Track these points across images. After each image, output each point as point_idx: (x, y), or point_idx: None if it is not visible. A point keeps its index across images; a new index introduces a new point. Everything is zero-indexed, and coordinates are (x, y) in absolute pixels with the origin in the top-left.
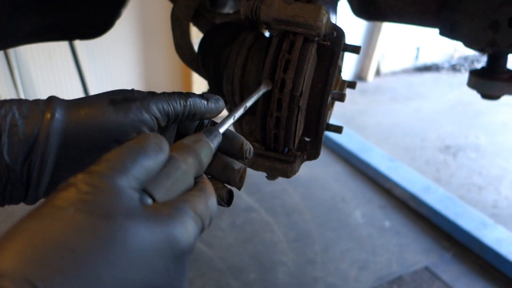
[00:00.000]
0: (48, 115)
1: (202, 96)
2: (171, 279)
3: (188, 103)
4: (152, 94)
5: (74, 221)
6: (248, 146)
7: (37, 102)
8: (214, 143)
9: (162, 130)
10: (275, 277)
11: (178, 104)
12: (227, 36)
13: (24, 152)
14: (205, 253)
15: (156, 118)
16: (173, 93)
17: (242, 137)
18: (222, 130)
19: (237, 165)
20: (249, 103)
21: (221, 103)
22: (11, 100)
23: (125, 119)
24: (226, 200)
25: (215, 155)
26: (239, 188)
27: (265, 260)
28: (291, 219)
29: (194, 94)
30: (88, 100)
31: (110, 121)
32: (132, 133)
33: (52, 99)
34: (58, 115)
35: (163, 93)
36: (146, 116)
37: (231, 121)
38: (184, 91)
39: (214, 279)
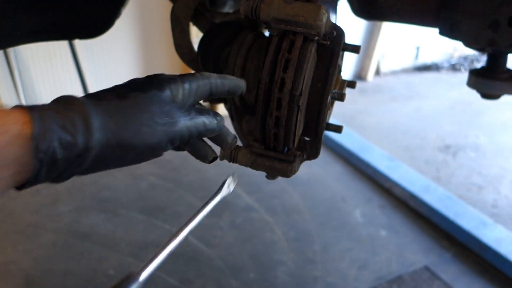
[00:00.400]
0: (87, 144)
1: (215, 115)
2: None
3: (206, 128)
4: (179, 113)
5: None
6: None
7: (75, 125)
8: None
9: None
10: (275, 277)
11: (196, 132)
12: (227, 35)
13: (56, 174)
14: (205, 253)
15: (174, 145)
16: (198, 117)
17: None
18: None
19: (230, 137)
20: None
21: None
22: (52, 122)
23: (150, 149)
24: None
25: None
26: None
27: (264, 260)
28: (291, 219)
29: (208, 113)
30: (124, 127)
31: (138, 150)
32: (151, 157)
33: (89, 121)
34: (95, 142)
35: (192, 115)
36: (166, 145)
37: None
38: None
39: (213, 278)
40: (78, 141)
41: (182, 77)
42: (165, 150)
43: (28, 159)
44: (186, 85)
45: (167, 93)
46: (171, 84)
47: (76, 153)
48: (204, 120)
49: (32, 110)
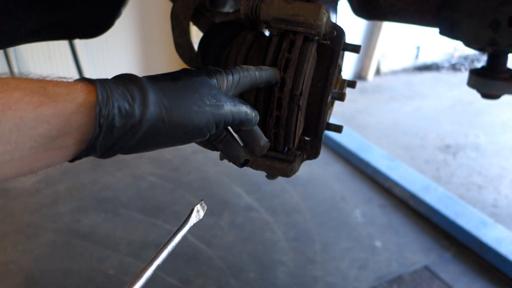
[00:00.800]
0: (142, 116)
1: (253, 109)
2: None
3: (238, 114)
4: (224, 98)
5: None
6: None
7: (134, 98)
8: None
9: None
10: (275, 277)
11: (238, 119)
12: (227, 35)
13: (112, 143)
14: (205, 252)
15: (218, 128)
16: (241, 106)
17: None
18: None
19: (263, 141)
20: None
21: (257, 117)
22: (114, 92)
23: (198, 130)
24: (240, 163)
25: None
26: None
27: (264, 259)
28: (291, 218)
29: (242, 102)
30: (177, 104)
31: (186, 129)
32: (198, 138)
33: (146, 95)
34: (150, 115)
35: (236, 102)
36: (212, 128)
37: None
38: None
39: (213, 278)
40: (135, 111)
41: (226, 69)
42: (211, 131)
43: (90, 126)
44: (230, 77)
45: (214, 80)
46: (217, 74)
47: (132, 123)
48: (246, 109)
49: (96, 81)
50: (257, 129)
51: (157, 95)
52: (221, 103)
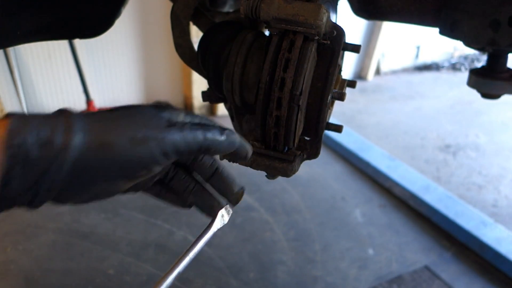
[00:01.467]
0: (66, 143)
1: (222, 132)
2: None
3: (206, 140)
4: (173, 133)
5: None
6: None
7: (56, 125)
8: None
9: None
10: (275, 276)
11: (196, 143)
12: (227, 35)
13: (33, 180)
14: (205, 252)
15: (169, 158)
16: (197, 128)
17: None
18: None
19: (237, 187)
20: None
21: (236, 141)
22: (31, 121)
23: (139, 158)
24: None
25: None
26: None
27: (264, 259)
28: (291, 218)
29: (214, 126)
30: (109, 130)
31: (125, 158)
32: (142, 171)
33: (71, 122)
34: (76, 142)
35: (188, 127)
36: (160, 157)
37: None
38: (183, 90)
39: (213, 278)
40: (56, 138)
41: (187, 112)
42: (159, 163)
43: (1, 157)
44: (187, 116)
45: (163, 112)
46: (170, 108)
47: (54, 153)
48: (205, 132)
49: (16, 114)
50: (228, 175)
51: (85, 122)
52: (167, 129)
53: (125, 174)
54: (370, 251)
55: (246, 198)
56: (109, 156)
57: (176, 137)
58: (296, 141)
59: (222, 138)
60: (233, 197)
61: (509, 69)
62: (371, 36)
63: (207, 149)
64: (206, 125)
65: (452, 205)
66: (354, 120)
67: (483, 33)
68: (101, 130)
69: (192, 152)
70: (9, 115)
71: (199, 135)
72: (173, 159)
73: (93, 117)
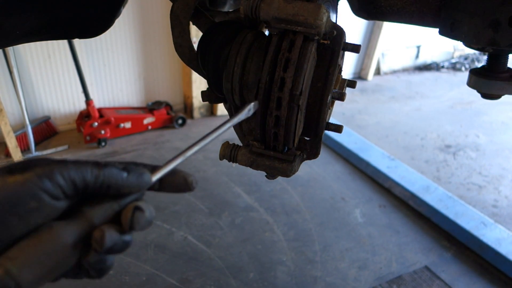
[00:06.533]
0: None
1: (124, 168)
2: None
3: (102, 173)
4: (59, 162)
5: None
6: (192, 178)
7: None
8: (125, 200)
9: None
10: (275, 277)
11: (89, 173)
12: (227, 35)
13: None
14: (205, 253)
15: (60, 186)
16: (87, 162)
17: (183, 172)
18: (160, 174)
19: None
20: (191, 151)
21: (146, 178)
22: None
23: (21, 187)
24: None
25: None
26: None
27: (264, 260)
28: (291, 218)
29: (114, 165)
30: None
31: (4, 190)
32: (30, 201)
33: None
34: None
35: (75, 162)
36: (47, 183)
37: (176, 162)
38: (183, 90)
39: (213, 278)
40: None
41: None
42: (44, 189)
43: None
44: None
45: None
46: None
47: None
48: (101, 165)
49: None
50: (175, 171)
51: None
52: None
53: (10, 207)
54: (370, 252)
55: (246, 199)
56: None
57: (67, 167)
58: (296, 141)
59: (123, 174)
60: (186, 184)
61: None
62: (371, 36)
63: (107, 185)
64: (106, 163)
65: (452, 205)
66: (354, 120)
67: (483, 33)
68: None
69: (88, 184)
70: None
71: (94, 167)
72: (68, 191)
73: None
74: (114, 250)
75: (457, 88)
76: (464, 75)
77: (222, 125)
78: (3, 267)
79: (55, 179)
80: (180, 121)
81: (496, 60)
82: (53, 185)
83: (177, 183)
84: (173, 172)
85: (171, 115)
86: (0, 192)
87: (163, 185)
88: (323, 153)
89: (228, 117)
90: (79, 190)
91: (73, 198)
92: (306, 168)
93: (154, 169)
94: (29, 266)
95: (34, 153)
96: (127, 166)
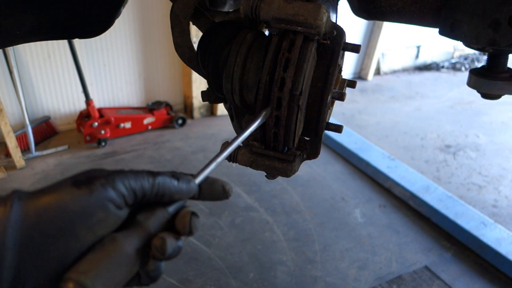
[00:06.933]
0: (6, 207)
1: (173, 175)
2: None
3: (157, 181)
4: (118, 172)
5: None
6: (229, 186)
7: None
8: (172, 207)
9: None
10: (274, 277)
11: (146, 181)
12: (227, 35)
13: None
14: (205, 252)
15: (123, 195)
16: (142, 171)
17: (221, 180)
18: (198, 181)
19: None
20: (225, 154)
21: (193, 184)
22: None
23: (89, 198)
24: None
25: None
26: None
27: (264, 260)
28: (291, 218)
29: (164, 173)
30: (50, 186)
31: (73, 202)
32: (98, 211)
33: (13, 192)
34: (16, 205)
35: (131, 170)
36: (111, 193)
37: (210, 169)
38: (183, 90)
39: (213, 278)
40: None
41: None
42: (111, 199)
43: None
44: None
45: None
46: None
47: None
48: (154, 173)
49: None
50: (211, 180)
51: (22, 193)
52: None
53: (80, 218)
54: (370, 252)
55: (246, 198)
56: (56, 206)
57: (126, 176)
58: (296, 141)
59: (174, 181)
60: (223, 192)
61: (509, 69)
62: (371, 36)
63: (162, 193)
64: (157, 172)
65: (452, 205)
66: (354, 120)
67: (483, 33)
68: (42, 190)
69: (146, 192)
70: None
71: (149, 176)
72: (129, 199)
73: (34, 190)
74: (171, 256)
75: (457, 88)
76: (464, 75)
77: (243, 132)
78: (77, 280)
79: (118, 188)
80: (180, 121)
81: (496, 60)
82: (117, 195)
83: (216, 191)
84: (211, 181)
85: (171, 115)
86: (69, 205)
87: (202, 194)
88: (323, 153)
89: (228, 117)
90: (137, 199)
91: (132, 206)
92: (306, 168)
93: (192, 176)
94: (101, 279)
95: (34, 153)
96: (175, 174)
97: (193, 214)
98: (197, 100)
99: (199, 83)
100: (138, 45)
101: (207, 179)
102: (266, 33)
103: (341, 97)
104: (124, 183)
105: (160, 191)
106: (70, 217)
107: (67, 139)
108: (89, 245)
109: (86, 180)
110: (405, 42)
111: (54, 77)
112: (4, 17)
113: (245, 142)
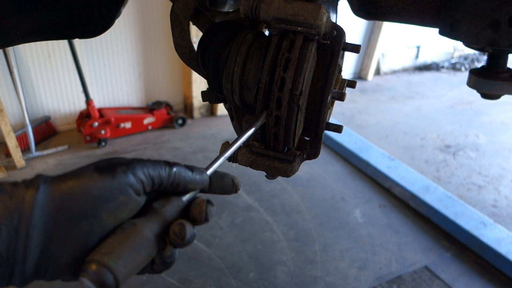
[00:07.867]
0: (32, 189)
1: (187, 166)
2: None
3: (174, 170)
4: (138, 160)
5: None
6: (238, 180)
7: (23, 181)
8: (186, 197)
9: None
10: (274, 277)
11: (164, 170)
12: (227, 35)
13: (8, 227)
14: (205, 252)
15: (142, 182)
16: (159, 160)
17: (230, 174)
18: (209, 172)
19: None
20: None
21: (206, 176)
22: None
23: (111, 183)
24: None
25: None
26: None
27: (264, 260)
28: (291, 218)
29: (179, 164)
30: (74, 171)
31: (96, 186)
32: (120, 195)
33: (38, 176)
34: (42, 187)
35: (149, 160)
36: (132, 179)
37: (219, 162)
38: (183, 90)
39: (213, 278)
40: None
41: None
42: (131, 184)
43: None
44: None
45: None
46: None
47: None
48: (171, 163)
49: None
50: (221, 174)
51: (48, 176)
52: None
53: (102, 202)
54: (370, 251)
55: (246, 199)
56: (80, 189)
57: (145, 164)
58: (296, 141)
59: (188, 171)
60: (233, 187)
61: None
62: (371, 36)
63: (177, 182)
64: (173, 162)
65: (452, 205)
66: (354, 120)
67: (483, 33)
68: (66, 174)
69: (163, 180)
70: None
71: (167, 165)
72: (147, 187)
73: (58, 175)
74: (188, 242)
75: (457, 88)
76: (464, 75)
77: (246, 131)
78: (100, 261)
79: (138, 175)
80: (180, 121)
81: (496, 60)
82: (137, 181)
83: (226, 184)
84: (221, 174)
85: (171, 115)
86: (93, 189)
87: (212, 186)
88: (323, 153)
89: (228, 117)
90: (155, 186)
91: (149, 194)
92: (306, 168)
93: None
94: (123, 261)
95: (34, 153)
96: (189, 165)
97: (208, 202)
98: (197, 100)
99: (199, 83)
100: (138, 45)
101: (216, 172)
102: (266, 33)
103: (341, 97)
104: (143, 170)
105: (176, 180)
106: (94, 201)
107: (67, 139)
108: (110, 229)
109: (107, 166)
110: (405, 42)
111: (54, 77)
112: (5, 16)
113: (245, 142)
